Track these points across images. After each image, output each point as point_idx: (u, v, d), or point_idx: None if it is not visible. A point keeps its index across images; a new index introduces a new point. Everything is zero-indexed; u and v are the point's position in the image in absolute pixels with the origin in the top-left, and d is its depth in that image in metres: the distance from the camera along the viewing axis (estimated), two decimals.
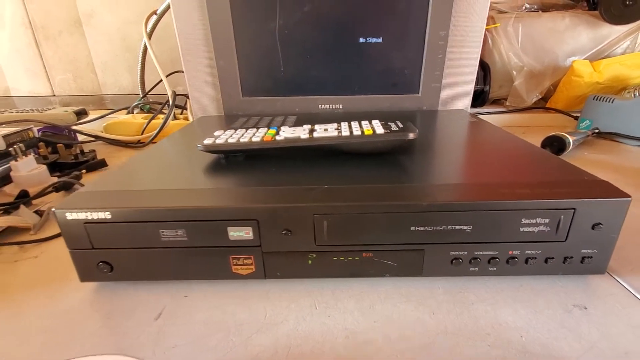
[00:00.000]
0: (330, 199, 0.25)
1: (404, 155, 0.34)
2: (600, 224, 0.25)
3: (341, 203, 0.25)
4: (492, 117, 0.77)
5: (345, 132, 0.33)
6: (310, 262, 0.27)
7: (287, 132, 0.34)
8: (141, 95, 0.79)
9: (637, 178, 0.49)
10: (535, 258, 0.26)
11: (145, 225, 0.26)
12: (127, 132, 0.67)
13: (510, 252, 0.26)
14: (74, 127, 0.64)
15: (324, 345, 0.23)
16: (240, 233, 0.26)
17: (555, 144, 0.57)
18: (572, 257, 0.26)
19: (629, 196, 0.25)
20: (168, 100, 0.65)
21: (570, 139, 0.56)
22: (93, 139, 0.65)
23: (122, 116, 0.72)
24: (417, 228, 0.26)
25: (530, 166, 0.31)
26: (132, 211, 0.25)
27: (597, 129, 0.66)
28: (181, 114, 0.75)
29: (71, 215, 0.26)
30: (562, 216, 0.25)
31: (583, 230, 0.25)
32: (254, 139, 0.33)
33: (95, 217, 0.26)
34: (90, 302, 0.28)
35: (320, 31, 0.55)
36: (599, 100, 0.67)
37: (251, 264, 0.27)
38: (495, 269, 0.27)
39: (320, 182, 0.28)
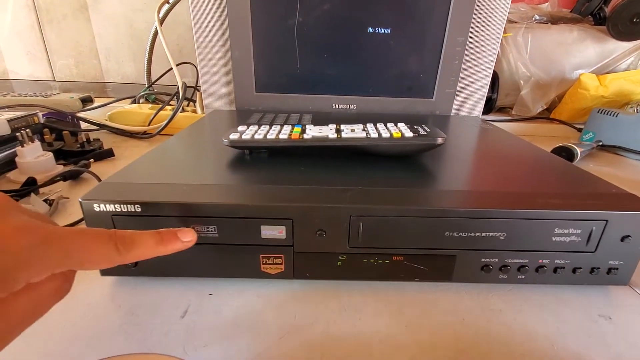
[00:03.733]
0: (367, 200, 0.25)
1: (428, 159, 0.34)
2: (629, 236, 0.25)
3: (379, 205, 0.25)
4: (498, 125, 0.78)
5: (373, 134, 0.33)
6: (339, 263, 0.27)
7: (314, 131, 0.34)
8: (146, 85, 0.77)
9: None
10: (564, 268, 0.27)
11: (176, 220, 0.25)
12: (133, 122, 0.66)
13: (540, 261, 0.27)
14: (79, 115, 0.63)
15: (357, 349, 0.23)
16: (274, 232, 0.26)
17: (564, 154, 0.58)
18: (599, 268, 0.27)
19: None
20: (177, 92, 0.64)
21: (579, 150, 0.58)
22: (97, 127, 0.63)
23: (127, 106, 0.71)
24: (451, 234, 0.26)
25: (557, 176, 0.31)
26: (163, 205, 0.25)
27: (600, 141, 0.67)
28: (188, 106, 0.73)
29: (99, 207, 0.25)
30: (594, 227, 0.25)
31: (612, 242, 0.26)
32: (281, 136, 0.33)
33: (125, 210, 0.25)
34: (112, 298, 0.27)
35: (339, 31, 0.54)
36: (604, 113, 0.68)
37: (281, 264, 0.27)
38: (524, 277, 0.27)
39: (351, 182, 0.28)
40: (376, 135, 0.33)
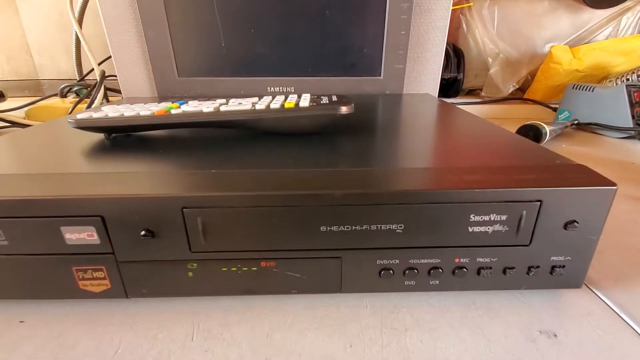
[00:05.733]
0: (208, 187, 0.18)
1: (341, 136, 0.27)
2: (574, 221, 0.18)
3: (219, 193, 0.18)
4: (466, 108, 0.71)
5: (260, 106, 0.26)
6: (190, 274, 0.20)
7: (189, 106, 0.27)
8: (77, 79, 0.70)
9: (620, 171, 0.43)
10: (490, 268, 0.20)
11: None
12: (54, 117, 0.59)
13: (457, 260, 0.20)
14: None
15: None
16: (81, 235, 0.18)
17: (531, 134, 0.51)
18: (538, 267, 0.20)
19: (614, 184, 0.18)
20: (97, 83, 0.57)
21: (547, 128, 0.51)
22: (8, 124, 0.56)
23: (49, 101, 0.64)
24: (329, 228, 0.18)
25: (492, 149, 0.24)
26: None
27: (576, 120, 0.61)
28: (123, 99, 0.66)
29: None
30: (525, 211, 0.18)
31: (552, 231, 0.19)
32: (143, 113, 0.26)
33: None
34: None
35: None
36: (579, 89, 0.62)
37: (104, 278, 0.20)
38: (437, 282, 0.20)
39: (217, 167, 0.21)
40: (263, 107, 0.26)
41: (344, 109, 0.25)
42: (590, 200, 0.18)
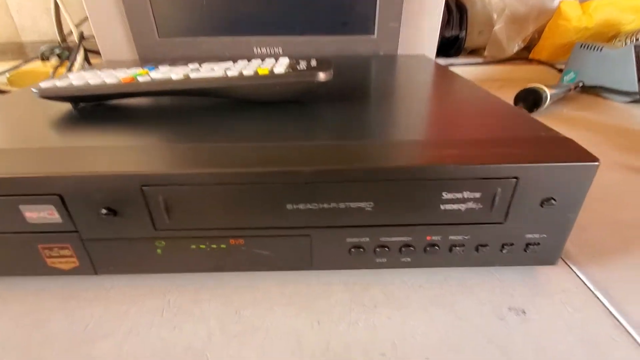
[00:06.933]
0: (168, 164, 0.17)
1: (319, 105, 0.26)
2: (552, 199, 0.18)
3: (179, 171, 0.17)
4: (467, 69, 0.67)
5: (233, 73, 0.24)
6: (159, 251, 0.20)
7: (159, 73, 0.25)
8: (59, 41, 0.67)
9: (620, 138, 0.42)
10: (463, 245, 0.19)
11: None
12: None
13: (429, 238, 0.19)
14: None
15: None
16: (42, 214, 0.18)
17: (531, 98, 0.49)
18: (512, 244, 0.19)
19: (596, 159, 0.17)
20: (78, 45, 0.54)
21: (548, 92, 0.48)
22: None
23: (30, 65, 0.61)
24: (296, 206, 0.18)
25: (478, 120, 0.23)
26: None
27: (581, 82, 0.58)
28: None
29: None
30: (500, 188, 0.17)
31: (528, 208, 0.18)
32: (109, 81, 0.24)
33: None
34: None
35: None
36: (587, 48, 0.58)
37: (71, 256, 0.19)
38: (409, 259, 0.20)
39: (183, 140, 0.20)
40: (235, 73, 0.24)
41: (321, 76, 0.24)
42: (570, 177, 0.17)
